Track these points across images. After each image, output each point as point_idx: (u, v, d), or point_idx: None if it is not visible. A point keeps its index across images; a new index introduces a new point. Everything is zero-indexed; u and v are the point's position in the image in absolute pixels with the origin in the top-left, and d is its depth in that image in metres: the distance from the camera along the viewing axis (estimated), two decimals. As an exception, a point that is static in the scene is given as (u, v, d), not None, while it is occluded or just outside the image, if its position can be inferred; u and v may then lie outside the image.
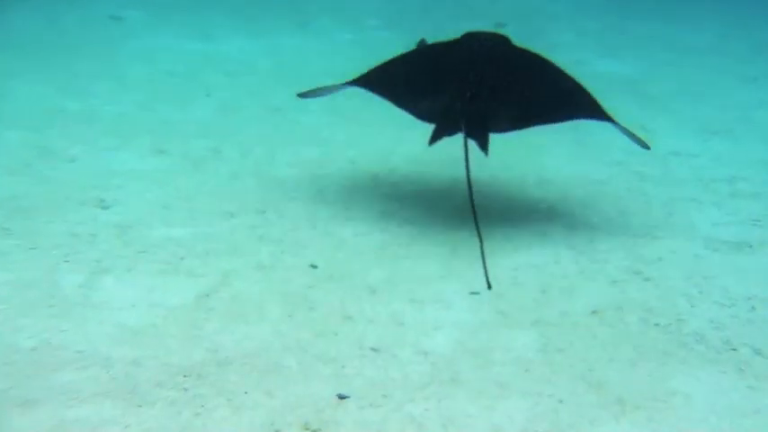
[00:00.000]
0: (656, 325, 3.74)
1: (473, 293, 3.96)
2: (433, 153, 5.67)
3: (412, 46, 7.01)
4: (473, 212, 4.20)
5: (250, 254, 4.26)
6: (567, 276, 4.16)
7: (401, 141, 5.95)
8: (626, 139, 5.99)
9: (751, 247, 4.56)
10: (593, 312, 3.83)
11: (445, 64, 4.58)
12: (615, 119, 4.65)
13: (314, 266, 4.16)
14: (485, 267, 4.11)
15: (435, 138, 4.42)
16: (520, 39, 4.91)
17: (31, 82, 7.02)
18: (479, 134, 4.36)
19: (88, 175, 5.20)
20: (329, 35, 9.09)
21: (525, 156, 5.81)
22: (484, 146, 4.37)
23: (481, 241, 4.17)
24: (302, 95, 5.14)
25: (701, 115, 6.85)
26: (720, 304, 3.94)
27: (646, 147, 4.79)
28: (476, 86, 4.41)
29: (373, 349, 3.47)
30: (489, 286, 4.06)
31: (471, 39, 4.70)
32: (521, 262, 4.29)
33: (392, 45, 7.93)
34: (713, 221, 4.87)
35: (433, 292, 3.95)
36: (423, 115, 4.55)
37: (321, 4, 10.35)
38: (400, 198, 5.02)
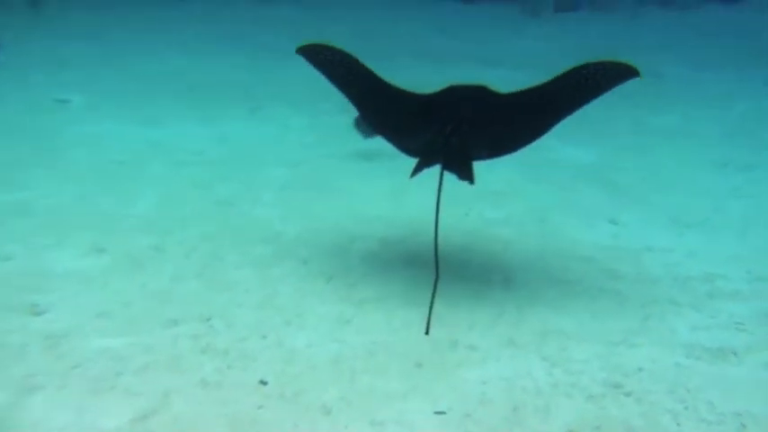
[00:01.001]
0: (640, 449, 3.49)
1: (438, 413, 3.69)
2: (393, 250, 5.47)
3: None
4: (435, 253, 4.53)
5: (193, 369, 3.97)
6: (541, 391, 3.90)
7: (357, 237, 5.71)
8: (594, 232, 5.84)
9: (736, 354, 4.32)
10: (571, 434, 3.58)
11: (429, 106, 4.81)
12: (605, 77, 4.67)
13: (263, 383, 3.88)
14: (430, 310, 4.47)
15: (417, 170, 4.70)
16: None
17: (-39, 171, 6.75)
18: (460, 164, 4.70)
19: (20, 277, 4.92)
20: (281, 121, 8.85)
21: (489, 252, 5.58)
22: (466, 175, 4.69)
23: (437, 278, 4.52)
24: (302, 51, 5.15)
25: (673, 206, 6.66)
26: (708, 422, 3.71)
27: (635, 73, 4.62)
28: (456, 122, 4.68)
29: (329, 482, 3.20)
30: (427, 331, 4.39)
31: (453, 87, 4.88)
32: (489, 374, 4.03)
33: (347, 128, 7.76)
34: (693, 325, 4.64)
35: (395, 412, 3.68)
36: (407, 150, 4.95)
37: (272, 89, 10.13)
38: (357, 302, 4.74)
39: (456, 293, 4.86)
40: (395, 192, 6.58)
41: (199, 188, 6.60)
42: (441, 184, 4.61)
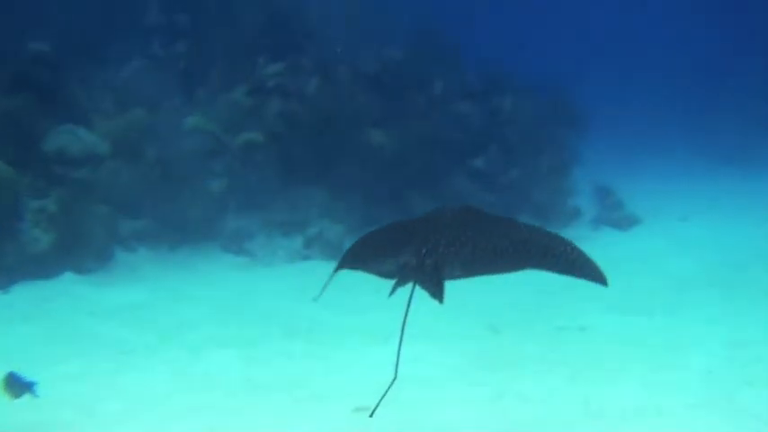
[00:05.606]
0: None
1: None
2: None
3: None
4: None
5: None
6: None
7: None
8: None
9: None
10: None
11: (410, 231, 5.72)
12: (574, 265, 5.42)
13: None
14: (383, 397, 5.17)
15: (395, 289, 5.53)
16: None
17: None
18: (432, 283, 5.41)
19: None
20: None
21: None
22: (437, 294, 5.40)
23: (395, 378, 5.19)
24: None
25: None
26: None
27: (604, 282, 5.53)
28: (431, 245, 5.54)
29: None
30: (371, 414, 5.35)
31: (440, 208, 5.90)
32: None
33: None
34: None
35: None
36: (384, 274, 5.70)
37: (117, 407, 8.08)
38: None
39: None
40: None
41: None
42: (411, 299, 5.28)
